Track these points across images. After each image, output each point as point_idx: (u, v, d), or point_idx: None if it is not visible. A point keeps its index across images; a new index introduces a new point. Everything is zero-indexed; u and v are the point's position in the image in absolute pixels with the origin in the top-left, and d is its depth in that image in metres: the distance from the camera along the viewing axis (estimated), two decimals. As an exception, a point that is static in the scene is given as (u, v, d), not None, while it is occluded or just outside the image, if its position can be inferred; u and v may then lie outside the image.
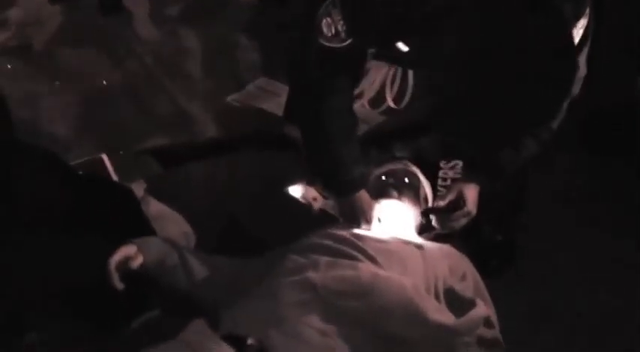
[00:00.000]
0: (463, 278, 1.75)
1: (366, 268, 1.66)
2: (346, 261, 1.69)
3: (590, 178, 2.42)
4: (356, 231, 1.88)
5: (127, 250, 1.78)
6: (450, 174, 2.37)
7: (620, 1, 2.37)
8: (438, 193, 2.27)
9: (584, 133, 2.52)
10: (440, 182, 2.33)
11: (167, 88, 3.04)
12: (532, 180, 2.32)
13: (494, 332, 1.65)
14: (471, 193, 1.90)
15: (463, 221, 1.89)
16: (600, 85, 2.47)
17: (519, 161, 1.94)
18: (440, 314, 1.57)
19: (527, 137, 1.91)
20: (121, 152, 2.56)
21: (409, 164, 2.17)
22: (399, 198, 2.00)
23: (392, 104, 2.34)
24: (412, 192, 2.05)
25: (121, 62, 3.21)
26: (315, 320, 1.53)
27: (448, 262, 1.78)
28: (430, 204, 2.12)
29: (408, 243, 1.86)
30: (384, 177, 2.10)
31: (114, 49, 3.28)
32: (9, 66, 3.04)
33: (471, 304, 1.66)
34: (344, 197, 1.96)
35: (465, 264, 1.82)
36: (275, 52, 3.00)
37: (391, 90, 2.33)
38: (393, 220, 1.97)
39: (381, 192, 2.03)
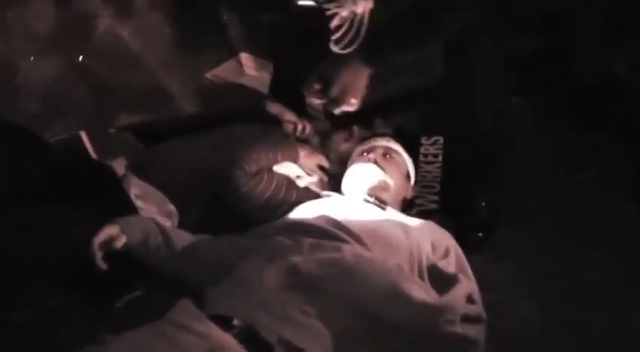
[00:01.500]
0: (446, 254, 1.77)
1: (350, 249, 1.66)
2: (330, 243, 1.70)
3: (578, 151, 2.42)
4: (341, 207, 1.88)
5: (110, 230, 1.77)
6: (431, 149, 2.39)
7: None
8: (420, 169, 2.29)
9: (571, 109, 2.53)
10: (421, 158, 2.35)
11: (145, 63, 2.99)
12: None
13: (477, 308, 1.66)
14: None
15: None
16: (582, 62, 2.51)
17: None
18: (423, 293, 1.58)
19: None
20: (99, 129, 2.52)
21: (391, 140, 2.17)
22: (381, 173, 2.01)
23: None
24: (395, 169, 2.06)
25: (98, 36, 3.15)
26: (299, 303, 1.54)
27: (431, 238, 1.80)
28: (412, 181, 2.13)
29: (392, 220, 1.87)
30: (365, 154, 2.10)
31: (90, 23, 3.21)
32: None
33: (454, 280, 1.68)
34: None
35: (447, 240, 1.84)
36: (255, 27, 2.97)
37: None
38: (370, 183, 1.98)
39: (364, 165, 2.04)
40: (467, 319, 1.60)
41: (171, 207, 2.04)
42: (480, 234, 2.11)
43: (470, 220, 2.14)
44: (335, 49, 1.92)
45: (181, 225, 2.05)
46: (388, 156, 2.09)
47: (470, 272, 1.76)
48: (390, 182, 2.02)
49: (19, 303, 1.94)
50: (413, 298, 1.54)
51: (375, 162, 2.03)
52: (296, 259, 1.63)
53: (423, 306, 1.54)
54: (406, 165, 2.14)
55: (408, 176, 2.12)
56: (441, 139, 2.39)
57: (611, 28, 2.46)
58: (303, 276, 1.59)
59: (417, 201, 2.21)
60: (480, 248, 2.08)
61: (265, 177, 2.04)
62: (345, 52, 1.90)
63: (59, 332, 1.86)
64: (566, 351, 1.83)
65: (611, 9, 2.44)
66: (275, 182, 2.05)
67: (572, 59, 2.60)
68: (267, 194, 2.02)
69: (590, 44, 2.56)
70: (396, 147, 2.15)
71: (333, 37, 1.92)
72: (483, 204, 2.17)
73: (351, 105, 1.88)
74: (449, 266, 1.74)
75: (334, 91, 1.86)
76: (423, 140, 2.42)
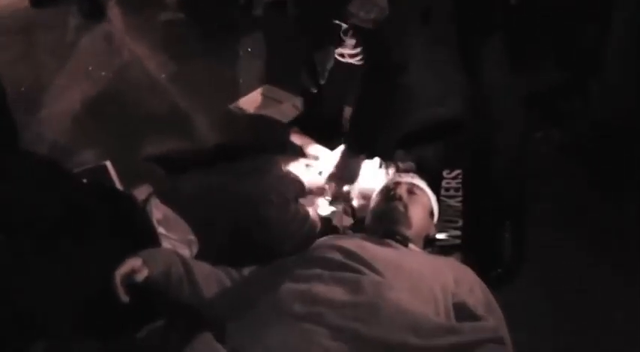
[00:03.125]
0: (471, 290, 1.75)
1: (368, 281, 1.66)
2: (350, 275, 1.70)
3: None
4: (363, 243, 1.88)
5: (133, 263, 1.78)
6: (453, 183, 2.39)
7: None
8: (442, 203, 2.29)
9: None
10: (443, 192, 2.36)
11: (169, 93, 3.04)
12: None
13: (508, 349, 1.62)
14: None
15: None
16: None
17: None
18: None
19: None
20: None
21: (415, 177, 2.17)
22: (405, 210, 2.00)
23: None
24: (419, 206, 2.05)
25: (123, 67, 3.21)
26: (323, 338, 1.53)
27: (454, 275, 1.78)
28: (435, 219, 2.13)
29: (415, 257, 1.86)
30: (391, 189, 2.10)
31: (117, 53, 3.28)
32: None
33: (480, 319, 1.66)
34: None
35: (470, 276, 1.82)
36: (279, 59, 3.00)
37: None
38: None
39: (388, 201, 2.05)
40: None
41: (192, 237, 2.05)
42: (500, 271, 2.10)
43: (493, 255, 2.13)
44: None
45: (201, 254, 2.06)
46: (412, 192, 2.08)
47: (497, 309, 1.74)
48: (414, 219, 2.01)
49: (39, 333, 1.96)
50: (432, 321, 1.55)
51: (400, 199, 2.03)
52: (317, 289, 1.63)
53: (441, 327, 1.54)
54: (430, 203, 2.13)
55: (431, 213, 2.11)
56: (462, 172, 2.40)
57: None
58: (323, 307, 1.59)
59: (439, 236, 2.20)
60: (502, 285, 2.06)
61: (292, 209, 2.05)
62: None
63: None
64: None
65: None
66: (301, 215, 2.06)
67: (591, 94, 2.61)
68: (293, 226, 2.04)
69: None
70: (421, 183, 2.14)
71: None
72: (507, 235, 2.17)
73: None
74: (476, 303, 1.72)
75: None
76: (445, 173, 2.42)
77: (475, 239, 2.19)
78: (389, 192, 2.07)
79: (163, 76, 3.15)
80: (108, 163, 2.52)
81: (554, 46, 2.83)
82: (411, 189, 2.08)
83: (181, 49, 3.31)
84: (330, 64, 2.19)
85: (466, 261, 1.96)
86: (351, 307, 1.58)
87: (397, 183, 2.10)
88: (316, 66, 2.17)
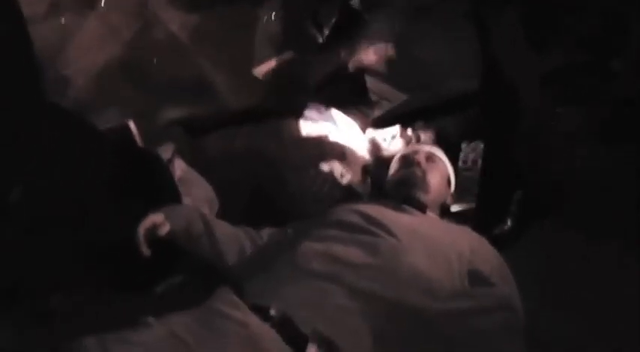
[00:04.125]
0: (486, 261, 1.78)
1: (385, 244, 1.70)
2: (368, 237, 1.74)
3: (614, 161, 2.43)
4: (381, 208, 1.92)
5: (155, 218, 1.82)
6: (471, 155, 2.41)
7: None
8: (459, 174, 2.32)
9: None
10: (460, 164, 2.38)
11: (192, 57, 3.05)
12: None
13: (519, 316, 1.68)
14: None
15: None
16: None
17: None
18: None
19: None
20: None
21: (434, 146, 2.19)
22: (423, 176, 2.03)
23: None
24: (437, 173, 2.08)
25: (146, 28, 3.22)
26: (339, 297, 1.57)
27: (469, 243, 1.81)
28: (452, 188, 2.16)
29: (431, 223, 1.90)
30: (410, 156, 2.12)
31: (139, 15, 3.28)
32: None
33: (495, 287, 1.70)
34: None
35: (487, 247, 1.85)
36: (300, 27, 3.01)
37: None
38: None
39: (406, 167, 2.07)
40: (507, 327, 1.63)
41: (213, 195, 2.09)
42: (505, 228, 2.14)
43: (500, 216, 2.18)
44: None
45: (221, 214, 2.10)
46: (431, 160, 2.11)
47: (512, 279, 1.78)
48: (431, 185, 2.04)
49: (58, 287, 2.01)
50: (444, 286, 1.59)
51: (419, 164, 2.06)
52: (336, 249, 1.66)
53: (455, 292, 1.59)
54: (447, 171, 2.16)
55: (448, 181, 2.14)
56: (481, 145, 2.41)
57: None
58: (342, 267, 1.63)
59: (454, 207, 2.24)
60: (508, 243, 2.10)
61: (312, 173, 2.09)
62: None
63: (99, 314, 1.93)
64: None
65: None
66: (321, 179, 2.09)
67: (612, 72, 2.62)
68: (313, 189, 2.07)
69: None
70: (439, 152, 2.17)
71: None
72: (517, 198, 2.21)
73: None
74: (491, 271, 1.75)
75: None
76: (463, 145, 2.44)
77: (486, 204, 2.23)
78: (408, 159, 2.10)
79: (186, 38, 3.15)
80: (131, 122, 2.55)
81: (576, 25, 2.84)
82: (430, 157, 2.11)
83: (206, 12, 3.30)
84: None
85: (478, 229, 1.99)
86: (367, 268, 1.63)
87: (416, 151, 2.13)
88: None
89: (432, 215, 2.00)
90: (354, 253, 1.67)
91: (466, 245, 1.80)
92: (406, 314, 1.57)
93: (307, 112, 2.35)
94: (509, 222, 2.18)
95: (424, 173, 2.04)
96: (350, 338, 1.54)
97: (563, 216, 2.24)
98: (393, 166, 2.15)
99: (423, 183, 2.02)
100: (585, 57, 2.77)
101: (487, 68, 2.23)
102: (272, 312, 1.57)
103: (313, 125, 2.28)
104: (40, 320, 1.91)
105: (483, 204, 2.25)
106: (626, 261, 2.09)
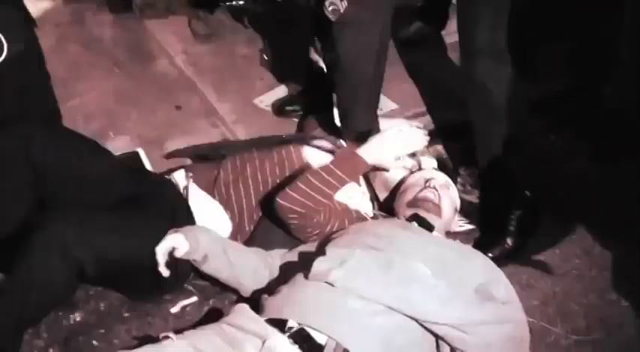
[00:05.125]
0: (496, 281, 1.84)
1: (399, 259, 1.78)
2: (382, 254, 1.82)
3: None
4: (392, 227, 2.01)
5: (174, 238, 1.90)
6: (469, 180, 2.51)
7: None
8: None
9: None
10: (459, 187, 2.47)
11: (197, 88, 3.16)
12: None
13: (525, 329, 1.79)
14: None
15: None
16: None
17: None
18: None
19: None
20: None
21: (446, 176, 2.28)
22: (438, 202, 2.12)
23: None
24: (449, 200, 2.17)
25: (152, 61, 3.34)
26: (353, 301, 1.67)
27: (480, 262, 1.91)
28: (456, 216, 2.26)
29: (439, 239, 2.00)
30: (427, 180, 2.20)
31: (146, 49, 3.40)
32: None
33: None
34: None
35: (492, 265, 1.94)
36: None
37: None
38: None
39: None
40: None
41: (227, 218, 2.17)
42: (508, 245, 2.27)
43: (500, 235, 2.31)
44: None
45: (234, 236, 2.19)
46: (445, 187, 2.19)
47: (517, 300, 1.85)
48: (444, 211, 2.12)
49: (77, 305, 2.08)
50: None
51: (435, 189, 2.14)
52: (352, 263, 1.74)
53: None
54: (457, 199, 2.24)
55: (456, 210, 2.23)
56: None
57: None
58: (358, 284, 1.70)
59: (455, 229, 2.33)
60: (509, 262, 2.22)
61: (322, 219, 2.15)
62: None
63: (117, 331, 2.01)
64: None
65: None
66: (330, 221, 2.15)
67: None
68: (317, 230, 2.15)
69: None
70: (451, 181, 2.27)
71: None
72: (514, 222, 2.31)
73: None
74: (497, 291, 1.80)
75: None
76: (461, 170, 2.54)
77: (486, 226, 2.36)
78: (425, 183, 2.17)
79: (191, 71, 3.26)
80: (140, 150, 2.64)
81: (563, 51, 2.97)
82: (445, 184, 2.20)
83: (209, 44, 3.42)
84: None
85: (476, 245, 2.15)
86: (383, 280, 1.71)
87: (432, 177, 2.20)
88: None
89: (438, 235, 2.08)
90: (367, 265, 1.75)
91: (479, 264, 1.90)
92: (417, 324, 1.66)
93: (317, 142, 2.42)
94: (509, 242, 2.28)
95: (439, 199, 2.13)
96: (362, 345, 1.62)
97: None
98: (408, 189, 2.20)
99: (437, 208, 2.10)
100: (574, 83, 2.91)
101: (469, 91, 2.33)
102: (289, 324, 1.64)
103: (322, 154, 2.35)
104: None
105: (483, 226, 2.35)
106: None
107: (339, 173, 2.06)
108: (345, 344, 1.61)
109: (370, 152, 2.10)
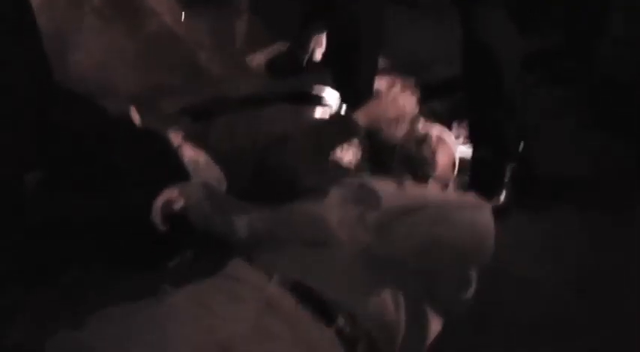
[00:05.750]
0: None
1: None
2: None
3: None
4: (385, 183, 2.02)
5: (170, 193, 1.91)
6: (463, 134, 2.52)
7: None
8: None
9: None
10: (452, 142, 2.47)
11: (188, 46, 3.13)
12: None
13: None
14: None
15: None
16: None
17: None
18: None
19: None
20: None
21: (444, 129, 2.28)
22: (433, 154, 2.13)
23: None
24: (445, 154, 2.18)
25: (141, 22, 3.30)
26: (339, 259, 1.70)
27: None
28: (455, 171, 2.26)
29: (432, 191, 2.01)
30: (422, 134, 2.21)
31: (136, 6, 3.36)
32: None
33: None
34: None
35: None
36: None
37: None
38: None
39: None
40: None
41: (221, 175, 2.18)
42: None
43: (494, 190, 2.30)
44: None
45: (229, 191, 2.19)
46: (442, 140, 2.20)
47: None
48: (439, 164, 2.13)
49: (74, 262, 2.09)
50: None
51: (430, 143, 2.14)
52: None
53: None
54: (454, 154, 2.24)
55: (453, 163, 2.24)
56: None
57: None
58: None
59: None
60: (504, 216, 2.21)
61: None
62: None
63: (116, 288, 2.02)
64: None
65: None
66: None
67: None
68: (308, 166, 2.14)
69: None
70: (449, 134, 2.27)
71: None
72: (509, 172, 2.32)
73: None
74: None
75: None
76: (454, 124, 2.55)
77: (480, 179, 2.36)
78: (419, 136, 2.19)
79: (181, 29, 3.23)
80: (132, 109, 2.62)
81: (555, 6, 2.96)
82: (441, 136, 2.20)
83: (198, 4, 3.38)
84: None
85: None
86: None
87: (427, 130, 2.21)
88: None
89: (434, 186, 2.10)
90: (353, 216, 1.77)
91: None
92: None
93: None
94: (503, 195, 2.29)
95: (434, 152, 2.14)
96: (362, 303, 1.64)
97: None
98: (402, 141, 2.22)
99: (432, 161, 2.11)
100: (565, 38, 2.91)
101: (470, 51, 2.32)
102: (276, 278, 1.65)
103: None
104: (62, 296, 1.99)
105: (477, 179, 2.36)
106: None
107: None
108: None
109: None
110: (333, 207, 1.80)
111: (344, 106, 2.41)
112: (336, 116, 2.23)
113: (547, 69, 2.87)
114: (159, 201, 1.88)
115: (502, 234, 1.88)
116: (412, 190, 1.93)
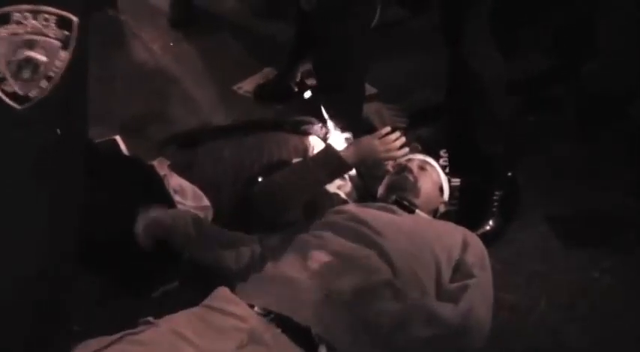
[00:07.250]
0: (474, 254, 1.88)
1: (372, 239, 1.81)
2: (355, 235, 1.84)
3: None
4: (370, 210, 2.01)
5: (156, 217, 1.90)
6: (449, 161, 2.50)
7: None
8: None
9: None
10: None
11: (175, 75, 3.13)
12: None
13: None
14: None
15: None
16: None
17: None
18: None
19: None
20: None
21: (427, 156, 2.28)
22: (414, 181, 2.12)
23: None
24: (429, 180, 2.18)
25: (129, 50, 3.30)
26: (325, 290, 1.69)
27: (463, 239, 1.92)
28: (445, 197, 2.25)
29: (417, 219, 2.00)
30: (404, 163, 2.21)
31: (122, 37, 3.37)
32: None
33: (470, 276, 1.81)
34: None
35: (476, 240, 1.96)
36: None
37: None
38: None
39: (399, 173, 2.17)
40: None
41: (207, 203, 2.16)
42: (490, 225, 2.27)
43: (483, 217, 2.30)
44: None
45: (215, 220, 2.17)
46: (423, 168, 2.20)
47: (489, 267, 1.88)
48: (422, 190, 2.13)
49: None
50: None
51: (411, 171, 2.15)
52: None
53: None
54: (440, 179, 2.25)
55: (441, 189, 2.23)
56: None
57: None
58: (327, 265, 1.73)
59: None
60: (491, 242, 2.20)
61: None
62: None
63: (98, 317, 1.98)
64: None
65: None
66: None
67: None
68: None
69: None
70: (433, 162, 2.26)
71: None
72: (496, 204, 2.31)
73: None
74: (474, 262, 1.86)
75: None
76: (442, 152, 2.53)
77: (468, 206, 2.35)
78: (401, 166, 2.18)
79: (169, 58, 3.23)
80: (118, 137, 2.61)
81: (544, 31, 2.98)
82: (422, 165, 2.20)
83: (184, 32, 3.40)
84: None
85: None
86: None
87: (409, 159, 2.22)
88: None
89: (421, 214, 2.09)
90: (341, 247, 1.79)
91: (459, 238, 1.91)
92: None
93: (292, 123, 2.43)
94: (491, 222, 2.27)
95: (416, 179, 2.13)
96: (337, 330, 1.63)
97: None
98: (388, 173, 2.24)
99: (414, 187, 2.11)
100: (554, 62, 2.92)
101: (455, 75, 2.32)
102: (255, 309, 1.64)
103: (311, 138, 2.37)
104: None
105: (465, 206, 2.34)
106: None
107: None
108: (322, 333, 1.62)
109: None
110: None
111: (333, 140, 2.40)
112: (324, 153, 2.20)
113: (534, 94, 2.88)
114: (143, 223, 1.89)
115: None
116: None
